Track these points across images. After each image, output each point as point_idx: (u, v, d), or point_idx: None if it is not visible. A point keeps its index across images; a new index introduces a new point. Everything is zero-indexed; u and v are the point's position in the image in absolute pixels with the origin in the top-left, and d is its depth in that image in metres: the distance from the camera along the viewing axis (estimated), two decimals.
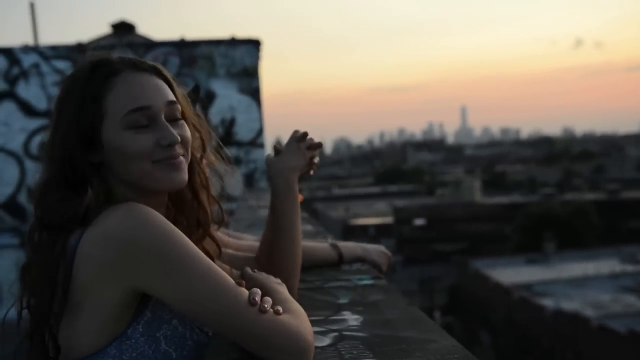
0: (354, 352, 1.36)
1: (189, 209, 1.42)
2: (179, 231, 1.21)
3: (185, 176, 1.32)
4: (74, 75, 1.32)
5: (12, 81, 8.92)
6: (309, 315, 1.64)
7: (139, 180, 1.29)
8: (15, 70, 8.97)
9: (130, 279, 1.15)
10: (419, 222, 54.48)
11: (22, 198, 8.73)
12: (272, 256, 1.70)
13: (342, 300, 1.80)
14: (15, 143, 8.80)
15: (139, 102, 1.28)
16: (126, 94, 1.28)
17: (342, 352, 1.36)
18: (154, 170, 1.28)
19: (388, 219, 58.81)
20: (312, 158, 1.79)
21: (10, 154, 8.87)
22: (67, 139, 1.26)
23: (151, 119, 1.29)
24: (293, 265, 1.73)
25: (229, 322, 1.17)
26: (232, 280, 1.20)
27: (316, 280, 2.04)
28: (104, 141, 1.26)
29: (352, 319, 1.61)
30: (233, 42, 9.54)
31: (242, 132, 9.47)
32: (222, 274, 1.20)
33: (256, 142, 9.57)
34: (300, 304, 1.69)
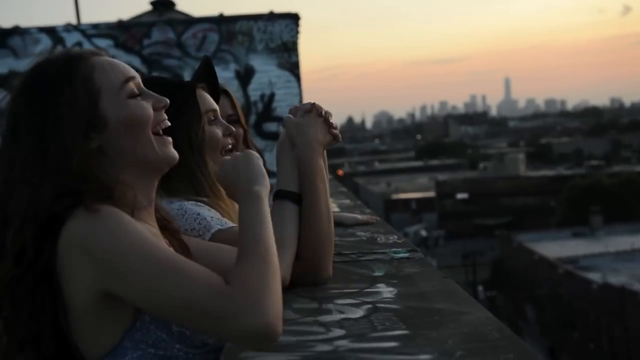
0: (387, 323, 1.36)
1: None
2: (140, 229, 1.15)
3: (175, 153, 1.32)
4: (44, 66, 1.23)
5: None
6: (344, 288, 1.64)
7: (143, 153, 1.26)
8: (59, 50, 9.12)
9: (96, 282, 1.12)
10: (462, 196, 54.00)
11: None
12: (301, 238, 1.61)
13: (377, 273, 1.79)
14: None
15: (127, 73, 1.27)
16: (111, 68, 1.26)
17: (375, 324, 1.36)
18: (154, 140, 1.28)
19: (430, 193, 58.46)
20: (331, 129, 1.71)
21: None
22: (65, 126, 1.17)
23: (140, 89, 1.29)
24: (328, 244, 1.67)
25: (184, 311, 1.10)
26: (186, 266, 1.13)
27: (352, 254, 2.04)
28: (108, 117, 1.22)
29: (387, 291, 1.60)
30: (272, 17, 9.51)
31: (281, 107, 9.47)
32: (185, 262, 1.14)
33: None
34: (335, 277, 1.70)
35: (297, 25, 9.60)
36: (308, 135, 1.67)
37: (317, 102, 1.74)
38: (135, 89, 1.27)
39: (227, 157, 1.40)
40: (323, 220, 1.64)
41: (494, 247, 39.76)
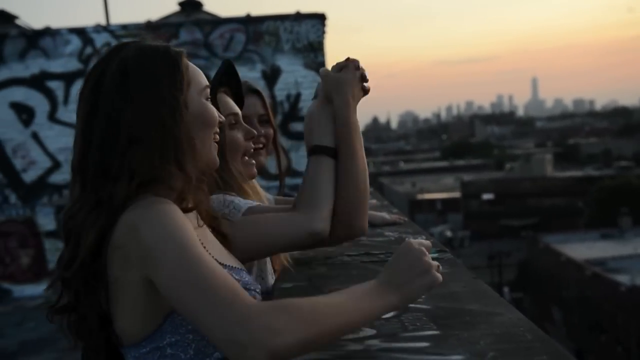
0: (418, 323, 1.36)
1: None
2: (189, 228, 1.18)
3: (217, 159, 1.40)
4: (149, 51, 1.30)
5: (86, 60, 9.22)
6: None
7: (205, 152, 1.33)
8: (89, 50, 9.26)
9: (142, 268, 1.16)
10: (487, 196, 53.54)
11: None
12: (338, 192, 1.60)
13: None
14: None
15: (206, 80, 1.38)
16: (198, 70, 1.37)
17: (406, 324, 1.37)
18: (214, 144, 1.37)
19: (455, 194, 58.06)
20: (363, 83, 1.70)
21: None
22: (164, 106, 1.25)
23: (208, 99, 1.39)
24: (365, 198, 1.64)
25: (203, 320, 1.09)
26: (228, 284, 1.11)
27: (380, 254, 2.04)
28: (189, 108, 1.30)
29: None
30: (298, 17, 9.53)
31: (307, 107, 9.51)
32: (220, 276, 1.11)
33: None
34: (364, 277, 1.70)
35: (323, 25, 9.61)
36: (346, 92, 1.66)
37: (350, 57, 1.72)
38: (208, 95, 1.38)
39: (417, 248, 1.29)
40: (360, 175, 1.63)
41: (520, 248, 39.37)
